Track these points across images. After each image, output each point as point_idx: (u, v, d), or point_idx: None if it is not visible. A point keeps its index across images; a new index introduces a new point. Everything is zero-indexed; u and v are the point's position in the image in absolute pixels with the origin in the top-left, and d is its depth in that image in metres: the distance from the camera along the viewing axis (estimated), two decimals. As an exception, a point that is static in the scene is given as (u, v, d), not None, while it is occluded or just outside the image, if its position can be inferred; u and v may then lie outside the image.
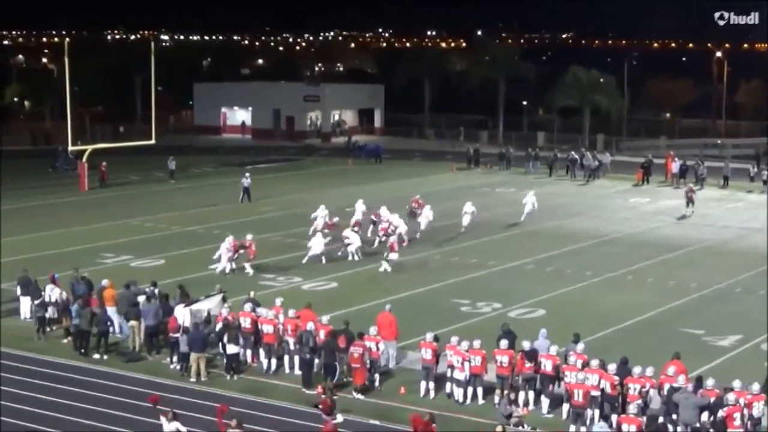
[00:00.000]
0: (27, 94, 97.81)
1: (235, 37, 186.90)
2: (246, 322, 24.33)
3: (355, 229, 37.11)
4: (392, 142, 79.97)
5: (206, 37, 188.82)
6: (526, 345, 22.23)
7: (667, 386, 20.36)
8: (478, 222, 42.50)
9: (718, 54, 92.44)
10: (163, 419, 18.38)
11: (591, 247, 40.15)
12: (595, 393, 20.47)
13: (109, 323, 25.69)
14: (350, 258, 36.07)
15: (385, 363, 23.89)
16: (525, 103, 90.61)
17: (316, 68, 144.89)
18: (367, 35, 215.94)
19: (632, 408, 19.23)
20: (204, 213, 46.62)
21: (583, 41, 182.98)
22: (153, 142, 58.25)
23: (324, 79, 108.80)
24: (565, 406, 21.06)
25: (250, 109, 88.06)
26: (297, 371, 23.59)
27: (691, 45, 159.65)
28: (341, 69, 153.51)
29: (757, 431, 19.38)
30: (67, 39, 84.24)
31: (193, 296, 26.12)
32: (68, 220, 44.56)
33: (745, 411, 19.28)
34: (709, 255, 38.92)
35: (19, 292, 28.44)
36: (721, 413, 19.24)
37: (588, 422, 20.48)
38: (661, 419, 20.21)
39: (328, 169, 65.04)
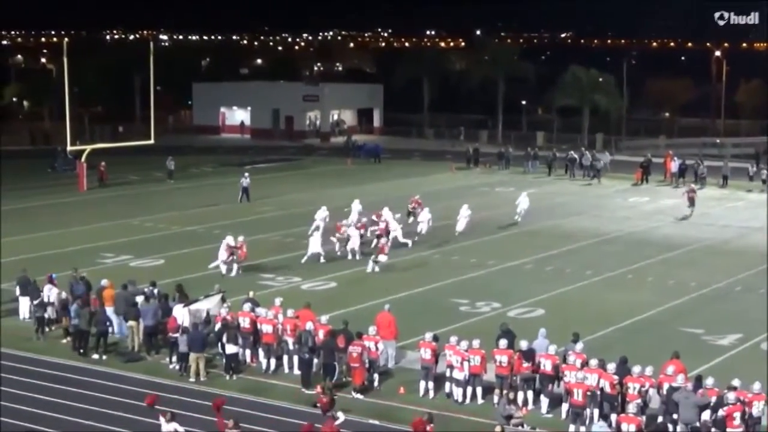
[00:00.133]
0: (26, 94, 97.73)
1: (234, 37, 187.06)
2: (245, 322, 24.31)
3: (361, 232, 37.09)
4: (391, 142, 79.89)
5: (205, 37, 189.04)
6: (523, 344, 22.21)
7: (666, 385, 20.35)
8: (478, 222, 42.44)
9: (718, 53, 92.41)
10: (162, 419, 18.36)
11: (590, 246, 40.14)
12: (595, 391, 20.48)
13: (108, 323, 25.69)
14: (350, 257, 36.07)
15: (384, 363, 23.86)
16: (524, 102, 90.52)
17: (315, 68, 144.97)
18: (366, 35, 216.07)
19: (632, 407, 19.23)
20: (203, 213, 46.60)
21: (583, 41, 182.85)
22: (152, 142, 58.18)
23: (323, 79, 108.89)
24: (565, 406, 21.04)
25: (249, 108, 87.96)
26: (296, 371, 23.56)
27: (690, 44, 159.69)
28: (340, 69, 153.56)
29: (756, 431, 19.38)
30: (66, 39, 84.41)
31: (192, 296, 26.12)
32: (67, 220, 44.53)
33: (745, 410, 19.29)
34: (708, 254, 38.92)
35: (18, 292, 28.42)
36: (721, 412, 19.23)
37: (587, 422, 20.46)
38: (660, 418, 20.21)
39: (328, 169, 65.01)
